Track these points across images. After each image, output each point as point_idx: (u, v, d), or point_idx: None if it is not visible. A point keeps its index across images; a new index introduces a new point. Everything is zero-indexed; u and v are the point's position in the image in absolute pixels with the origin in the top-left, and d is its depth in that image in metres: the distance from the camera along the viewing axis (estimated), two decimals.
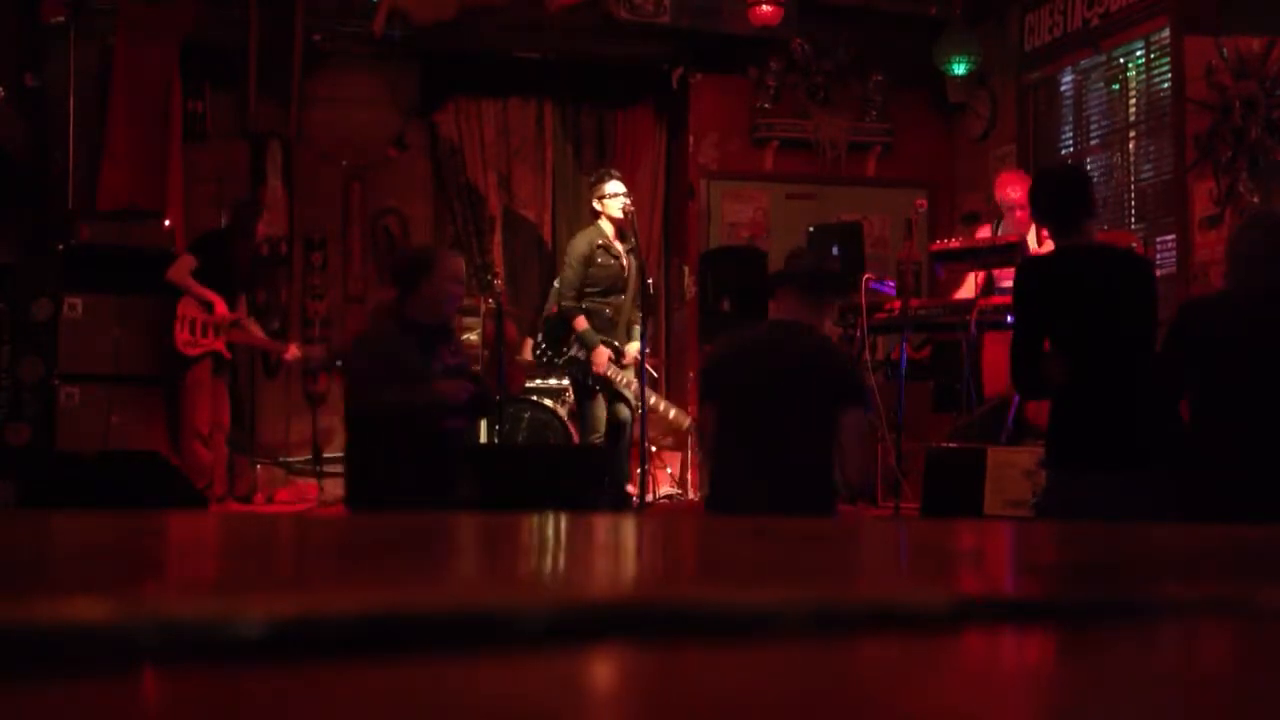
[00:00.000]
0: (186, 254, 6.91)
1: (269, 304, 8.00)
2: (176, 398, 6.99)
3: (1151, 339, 3.85)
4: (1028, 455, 4.99)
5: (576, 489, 4.91)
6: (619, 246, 6.38)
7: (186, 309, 6.78)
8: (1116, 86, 7.66)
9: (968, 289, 6.37)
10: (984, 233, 6.54)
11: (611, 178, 6.44)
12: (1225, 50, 6.44)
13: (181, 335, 6.76)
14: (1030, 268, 4.11)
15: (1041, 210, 3.99)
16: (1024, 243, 5.82)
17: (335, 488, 7.95)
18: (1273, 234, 3.81)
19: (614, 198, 6.32)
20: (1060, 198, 3.92)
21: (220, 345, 6.87)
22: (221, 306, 6.83)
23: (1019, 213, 6.10)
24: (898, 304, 6.30)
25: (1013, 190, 6.27)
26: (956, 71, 8.38)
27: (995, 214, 6.69)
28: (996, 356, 5.76)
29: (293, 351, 7.28)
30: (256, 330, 7.20)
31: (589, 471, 5.35)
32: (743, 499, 3.97)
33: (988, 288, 6.18)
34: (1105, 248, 4.10)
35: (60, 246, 7.10)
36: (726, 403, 4.11)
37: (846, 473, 4.00)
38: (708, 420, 4.26)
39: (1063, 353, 3.79)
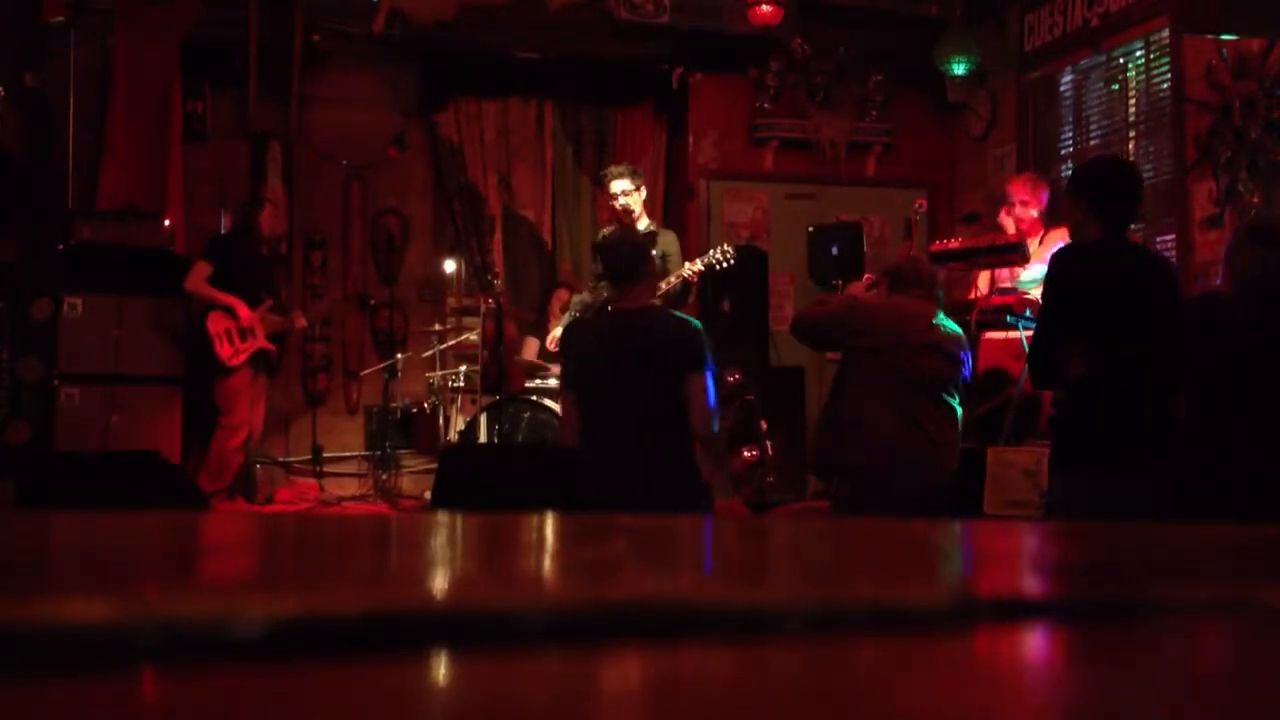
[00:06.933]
0: (201, 261, 6.88)
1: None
2: (209, 402, 6.95)
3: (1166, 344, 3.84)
4: (1028, 455, 4.99)
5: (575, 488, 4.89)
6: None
7: (216, 325, 6.76)
8: (1116, 86, 7.65)
9: (977, 288, 6.34)
10: (1007, 226, 6.36)
11: (611, 176, 6.52)
12: (1225, 50, 6.44)
13: (224, 351, 6.75)
14: (1073, 255, 3.95)
15: (1102, 198, 3.86)
16: (1024, 243, 5.81)
17: (335, 487, 7.97)
18: (1255, 232, 3.90)
19: (612, 196, 6.43)
20: (1127, 190, 3.92)
21: (261, 342, 6.88)
22: (242, 308, 6.82)
23: (1019, 210, 6.11)
24: None
25: (1021, 192, 6.22)
26: (956, 71, 8.38)
27: (992, 221, 6.64)
28: (988, 349, 5.79)
29: (299, 320, 7.44)
30: (272, 318, 7.18)
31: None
32: (610, 478, 4.08)
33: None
34: (1142, 248, 4.12)
35: (60, 246, 7.10)
36: (584, 391, 4.28)
37: (695, 427, 4.15)
38: (569, 408, 4.41)
39: (1083, 346, 3.77)
